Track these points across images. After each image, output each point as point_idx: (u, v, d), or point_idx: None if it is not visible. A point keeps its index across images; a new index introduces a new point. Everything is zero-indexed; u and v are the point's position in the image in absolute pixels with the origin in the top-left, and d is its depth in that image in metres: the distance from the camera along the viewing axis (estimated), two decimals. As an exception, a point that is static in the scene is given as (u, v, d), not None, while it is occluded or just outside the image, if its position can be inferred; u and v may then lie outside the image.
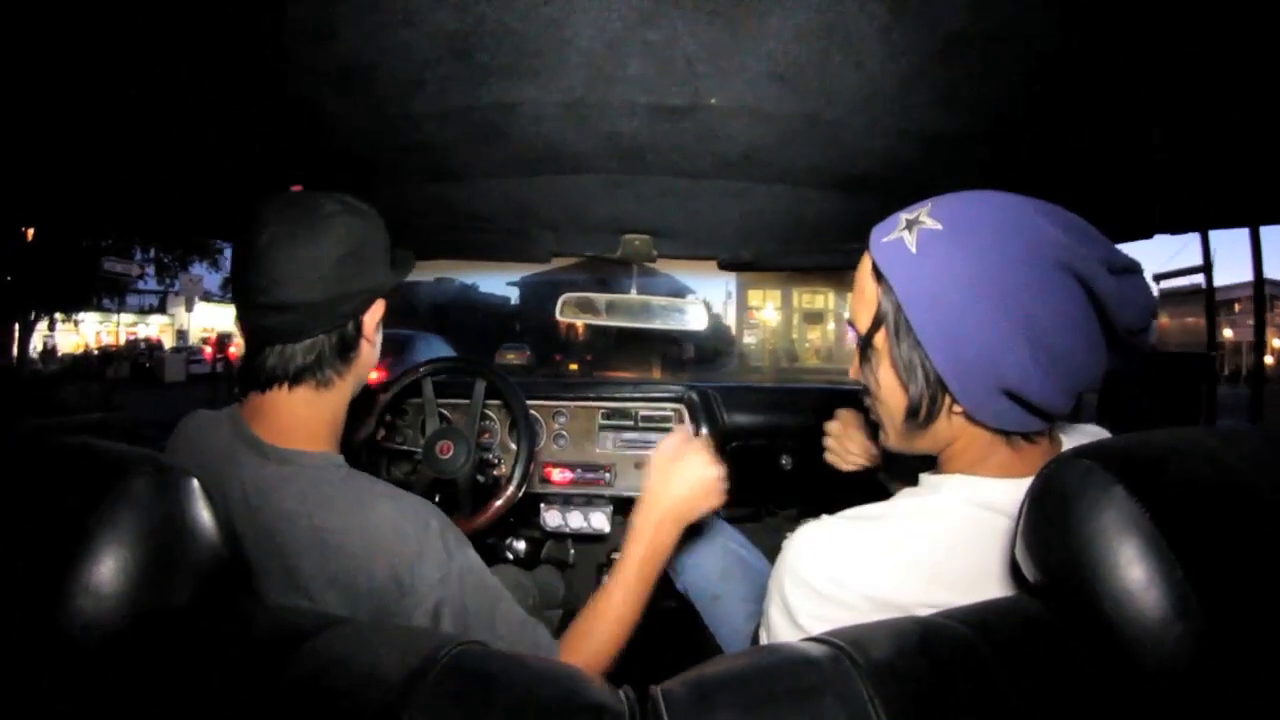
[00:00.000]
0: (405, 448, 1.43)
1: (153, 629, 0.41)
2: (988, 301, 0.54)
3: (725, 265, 1.55)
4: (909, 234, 0.57)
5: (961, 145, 0.98)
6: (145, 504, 0.42)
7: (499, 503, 1.25)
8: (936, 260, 0.55)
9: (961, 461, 0.63)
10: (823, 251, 1.51)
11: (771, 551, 1.37)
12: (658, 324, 1.47)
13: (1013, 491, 0.56)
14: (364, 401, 1.27)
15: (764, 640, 0.67)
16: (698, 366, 15.95)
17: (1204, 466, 0.44)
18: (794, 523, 2.08)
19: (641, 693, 0.44)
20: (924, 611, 0.50)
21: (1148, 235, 1.30)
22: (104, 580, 0.39)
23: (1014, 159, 1.01)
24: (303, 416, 0.76)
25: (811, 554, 0.61)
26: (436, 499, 1.54)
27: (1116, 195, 1.11)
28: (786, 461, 1.73)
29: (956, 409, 0.59)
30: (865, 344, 0.63)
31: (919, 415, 0.60)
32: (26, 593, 0.39)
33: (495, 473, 1.51)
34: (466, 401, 1.63)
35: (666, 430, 1.73)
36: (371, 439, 1.45)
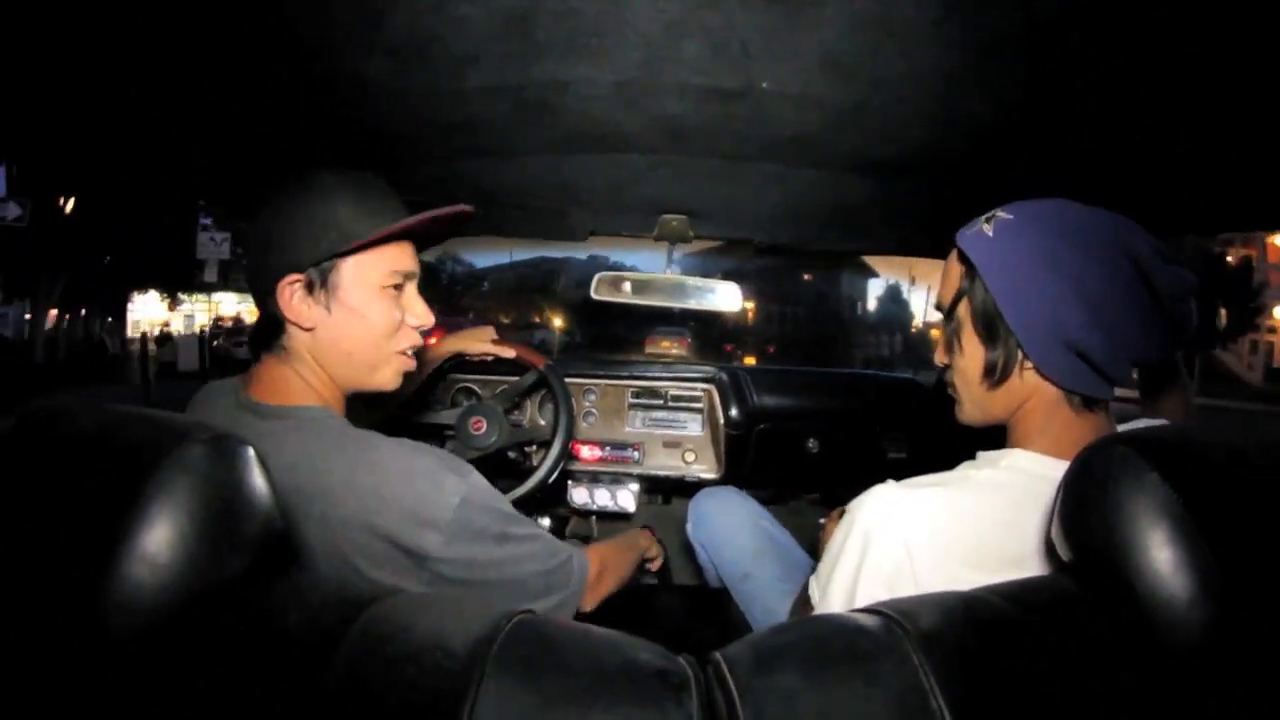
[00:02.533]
0: (437, 422, 1.45)
1: (209, 598, 0.42)
2: (1048, 268, 0.64)
3: (762, 249, 1.54)
4: (987, 225, 0.69)
5: (1001, 137, 0.97)
6: (202, 471, 0.42)
7: (533, 482, 1.26)
8: (1007, 238, 0.67)
9: (1025, 428, 0.70)
10: (861, 237, 1.50)
11: (795, 533, 1.39)
12: (692, 304, 1.47)
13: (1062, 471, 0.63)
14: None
15: (817, 606, 0.71)
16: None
17: (1233, 451, 0.45)
18: (817, 507, 2.10)
19: (702, 659, 0.45)
20: (984, 577, 0.55)
21: (1179, 235, 1.30)
22: (160, 549, 0.40)
23: (1053, 153, 1.01)
24: (279, 379, 0.79)
25: (889, 517, 0.66)
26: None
27: (1150, 196, 1.10)
28: (814, 445, 1.73)
29: (1028, 365, 0.68)
30: (949, 317, 0.74)
31: (995, 371, 0.69)
32: (82, 561, 0.39)
33: (526, 449, 1.53)
34: (495, 378, 1.65)
35: (697, 411, 1.74)
36: (405, 416, 1.47)
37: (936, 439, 1.72)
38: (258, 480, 0.47)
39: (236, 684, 0.40)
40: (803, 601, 0.98)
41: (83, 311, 16.70)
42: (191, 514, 0.41)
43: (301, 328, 0.77)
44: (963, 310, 0.72)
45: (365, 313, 0.78)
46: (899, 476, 0.70)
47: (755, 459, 1.70)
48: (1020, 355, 0.68)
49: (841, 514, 1.21)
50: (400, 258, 0.81)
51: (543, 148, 1.09)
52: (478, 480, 0.76)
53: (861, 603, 0.64)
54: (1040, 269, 0.64)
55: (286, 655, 0.41)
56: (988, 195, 0.85)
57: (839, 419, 1.75)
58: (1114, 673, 0.42)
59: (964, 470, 0.71)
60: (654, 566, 1.37)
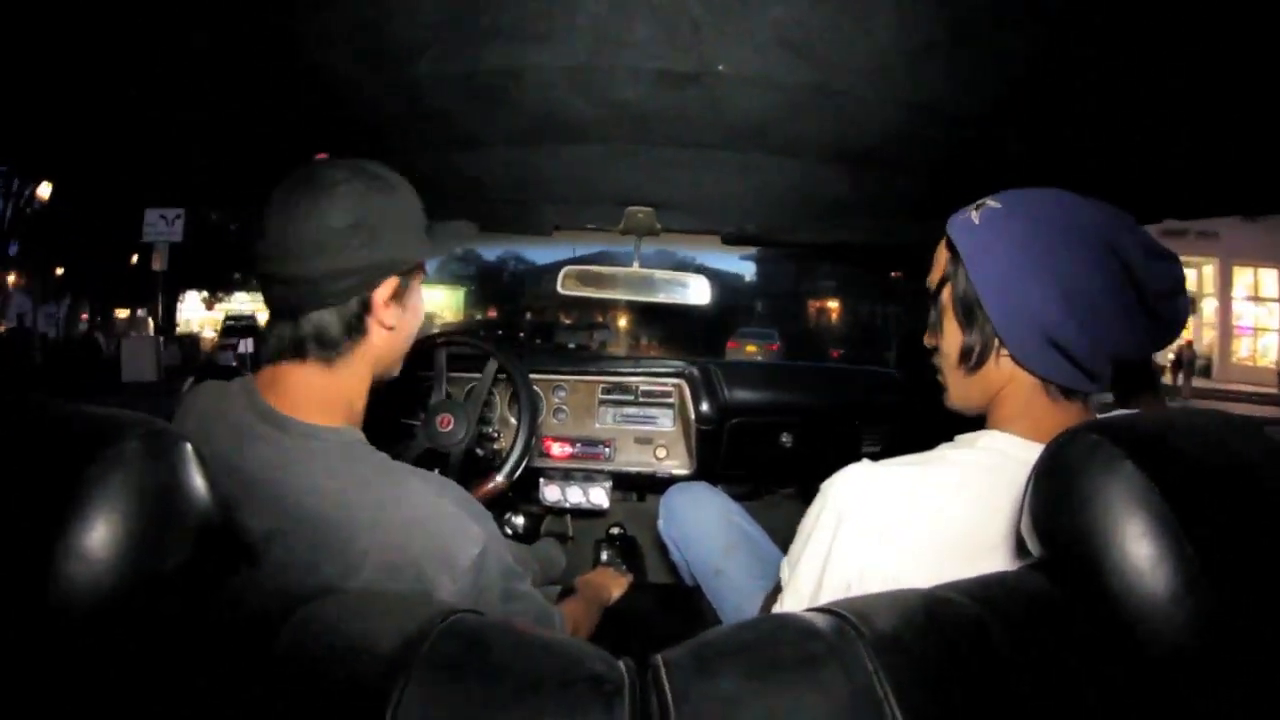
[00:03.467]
0: (404, 421, 1.42)
1: (143, 594, 0.40)
2: (1031, 259, 0.64)
3: (729, 240, 1.53)
4: (975, 212, 0.69)
5: (970, 123, 0.96)
6: (138, 467, 0.41)
7: (500, 478, 1.24)
8: (992, 227, 0.67)
9: (1002, 413, 0.70)
10: (829, 227, 1.49)
11: (770, 529, 1.38)
12: (660, 298, 1.45)
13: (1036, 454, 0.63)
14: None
15: (787, 598, 0.70)
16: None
17: (1211, 443, 0.44)
18: (792, 500, 2.09)
19: (642, 663, 0.43)
20: (958, 561, 0.57)
21: (1156, 220, 1.27)
22: (95, 545, 0.38)
23: (1024, 141, 1.00)
24: (315, 389, 0.72)
25: (863, 495, 0.66)
26: (436, 472, 1.53)
27: (1125, 181, 1.09)
28: (787, 439, 1.72)
29: (1004, 352, 0.67)
30: (934, 300, 0.74)
31: (972, 357, 0.69)
32: (15, 558, 0.38)
33: (495, 447, 1.50)
34: (463, 375, 1.61)
35: (668, 406, 1.72)
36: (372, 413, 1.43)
37: (912, 433, 1.72)
38: (195, 477, 0.45)
39: (168, 680, 0.39)
40: (775, 591, 0.97)
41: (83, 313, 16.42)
42: (125, 511, 0.40)
43: (386, 329, 0.74)
44: (946, 295, 0.72)
45: (419, 310, 0.79)
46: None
47: (728, 454, 1.69)
48: (997, 343, 0.67)
49: None
50: None
51: (502, 138, 1.06)
52: (495, 530, 0.74)
53: (831, 585, 0.65)
54: (1022, 261, 0.64)
55: (221, 652, 0.40)
56: (968, 184, 0.84)
57: (812, 413, 1.75)
58: (1088, 678, 0.40)
59: (940, 450, 0.70)
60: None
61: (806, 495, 2.20)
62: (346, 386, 0.75)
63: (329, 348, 0.72)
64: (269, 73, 0.85)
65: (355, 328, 0.73)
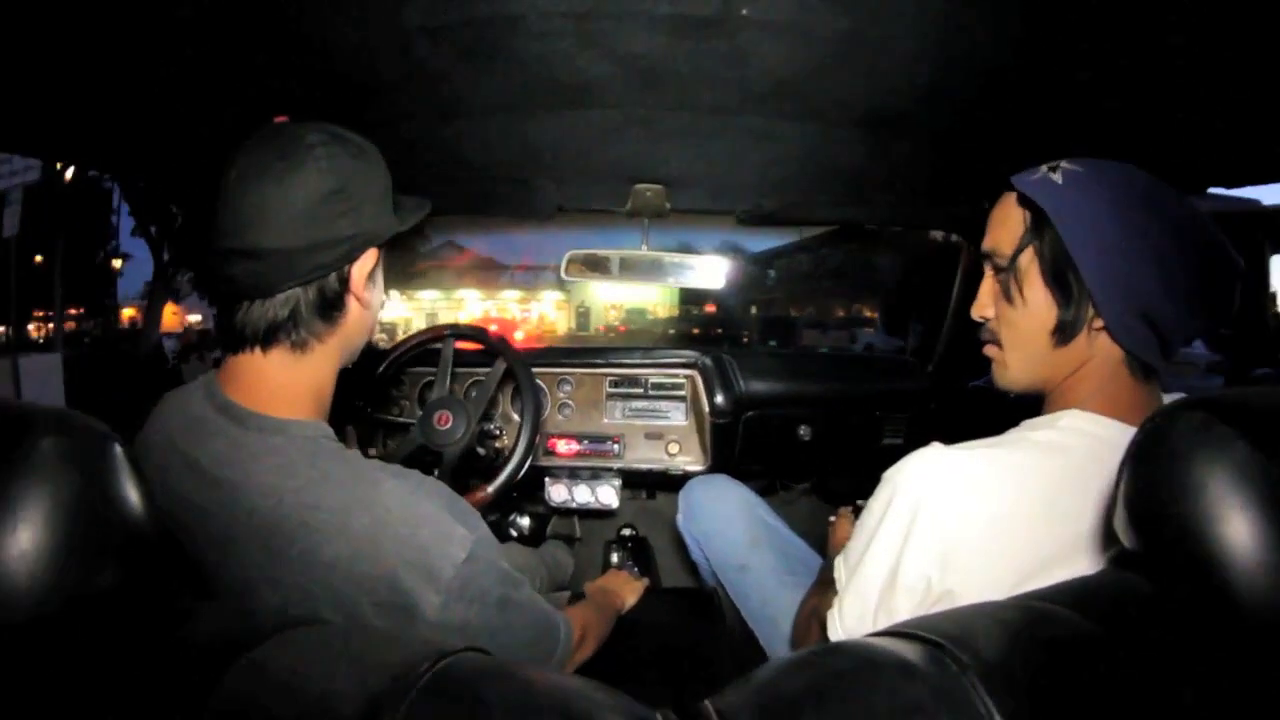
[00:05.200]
0: (401, 419, 1.33)
1: (61, 628, 0.34)
2: (1125, 225, 0.60)
3: (744, 219, 1.43)
4: (1053, 174, 0.64)
5: (1013, 87, 0.88)
6: (51, 471, 0.34)
7: (501, 479, 1.15)
8: (1083, 187, 0.62)
9: (1079, 391, 0.65)
10: (852, 204, 1.39)
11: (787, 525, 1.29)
12: (670, 281, 1.36)
13: (1129, 436, 0.58)
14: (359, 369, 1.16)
15: (848, 603, 0.65)
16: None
17: None
18: (808, 496, 2.01)
19: (688, 712, 0.35)
20: (1044, 552, 0.57)
21: (1200, 190, 1.21)
22: (4, 560, 0.32)
23: (1069, 106, 0.92)
24: (281, 381, 0.65)
25: (942, 480, 0.60)
26: (435, 474, 1.45)
27: (1177, 148, 1.02)
28: (805, 432, 1.64)
29: (1097, 324, 0.63)
30: (1009, 267, 0.67)
31: (1067, 329, 0.64)
32: None
33: (497, 445, 1.42)
34: (464, 370, 1.53)
35: (680, 399, 1.63)
36: (362, 411, 1.34)
37: (935, 422, 1.64)
38: (124, 481, 0.38)
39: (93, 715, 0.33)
40: (819, 591, 0.89)
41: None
42: (38, 523, 0.33)
43: (363, 307, 0.69)
44: (1027, 260, 0.66)
45: (369, 300, 0.72)
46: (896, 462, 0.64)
47: (743, 448, 1.60)
48: (1091, 313, 0.63)
49: (856, 510, 1.12)
50: None
51: (498, 104, 0.97)
52: (485, 533, 0.67)
53: (906, 582, 0.60)
54: (1119, 225, 0.60)
55: (153, 703, 0.33)
56: (1001, 154, 0.78)
57: (832, 403, 1.66)
58: (1208, 685, 0.35)
59: (1019, 432, 0.65)
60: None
61: (823, 490, 2.12)
62: (315, 374, 0.67)
63: (303, 329, 0.64)
64: (222, 22, 0.75)
65: (335, 305, 0.66)
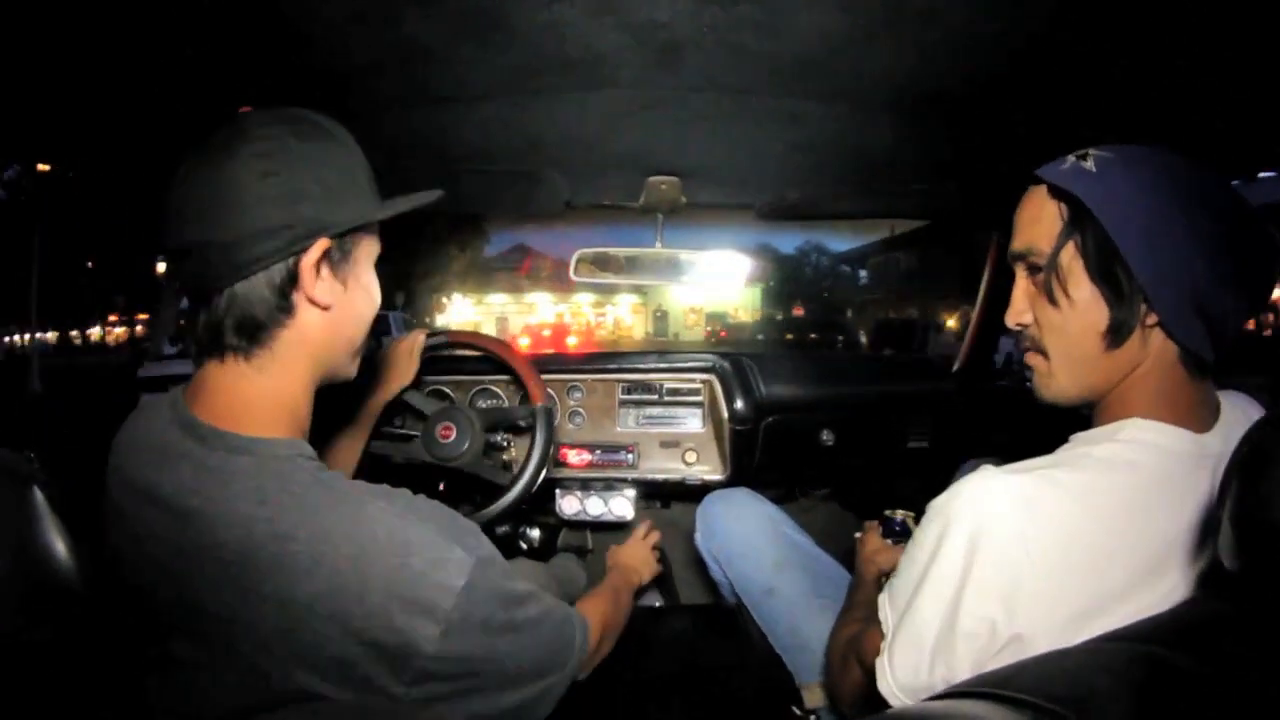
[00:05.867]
0: (403, 431, 1.26)
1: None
2: (1173, 210, 0.56)
3: (764, 213, 1.36)
4: (1083, 162, 0.60)
5: (1065, 67, 0.81)
6: None
7: (512, 496, 1.07)
8: (1120, 173, 0.58)
9: (1135, 397, 0.60)
10: (881, 194, 1.31)
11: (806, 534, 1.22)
12: (686, 280, 1.29)
13: (1198, 445, 0.58)
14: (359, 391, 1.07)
15: (898, 650, 0.59)
16: None
17: None
18: (826, 503, 1.93)
19: None
20: (1122, 577, 0.53)
21: (1250, 174, 1.14)
22: None
23: (1118, 89, 0.86)
24: (245, 395, 0.58)
25: (1002, 510, 0.54)
26: (441, 487, 1.37)
27: (1223, 132, 0.97)
28: (828, 436, 1.56)
29: (1150, 320, 0.59)
30: (1050, 266, 0.62)
31: (1121, 329, 0.59)
32: None
33: (504, 458, 1.34)
34: (468, 378, 1.45)
35: (696, 405, 1.56)
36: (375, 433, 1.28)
37: (961, 424, 1.57)
38: (44, 528, 0.36)
39: None
40: (853, 618, 0.81)
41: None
42: None
43: (320, 307, 0.60)
44: (1068, 257, 0.61)
45: (370, 290, 0.66)
46: (920, 467, 0.59)
47: (763, 456, 1.53)
48: (1143, 310, 0.58)
49: (884, 521, 1.04)
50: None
51: (502, 86, 0.89)
52: (487, 552, 0.60)
53: (967, 626, 0.54)
54: (1164, 210, 0.56)
55: None
56: (1040, 139, 0.74)
57: (855, 407, 1.58)
58: None
59: (1076, 448, 0.60)
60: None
61: (843, 496, 2.04)
62: (281, 388, 0.60)
63: (250, 334, 0.57)
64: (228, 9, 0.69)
65: (281, 306, 0.58)
